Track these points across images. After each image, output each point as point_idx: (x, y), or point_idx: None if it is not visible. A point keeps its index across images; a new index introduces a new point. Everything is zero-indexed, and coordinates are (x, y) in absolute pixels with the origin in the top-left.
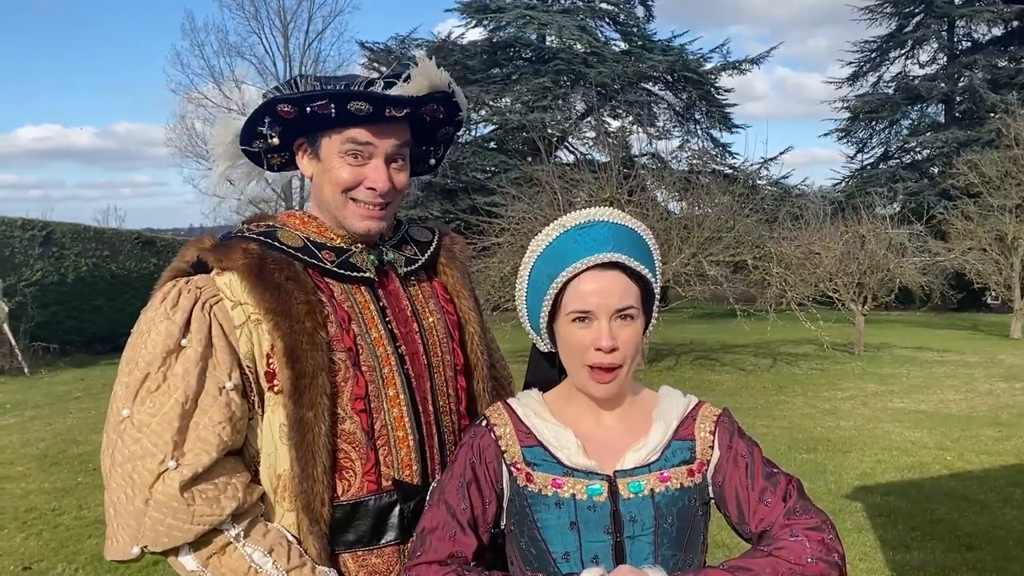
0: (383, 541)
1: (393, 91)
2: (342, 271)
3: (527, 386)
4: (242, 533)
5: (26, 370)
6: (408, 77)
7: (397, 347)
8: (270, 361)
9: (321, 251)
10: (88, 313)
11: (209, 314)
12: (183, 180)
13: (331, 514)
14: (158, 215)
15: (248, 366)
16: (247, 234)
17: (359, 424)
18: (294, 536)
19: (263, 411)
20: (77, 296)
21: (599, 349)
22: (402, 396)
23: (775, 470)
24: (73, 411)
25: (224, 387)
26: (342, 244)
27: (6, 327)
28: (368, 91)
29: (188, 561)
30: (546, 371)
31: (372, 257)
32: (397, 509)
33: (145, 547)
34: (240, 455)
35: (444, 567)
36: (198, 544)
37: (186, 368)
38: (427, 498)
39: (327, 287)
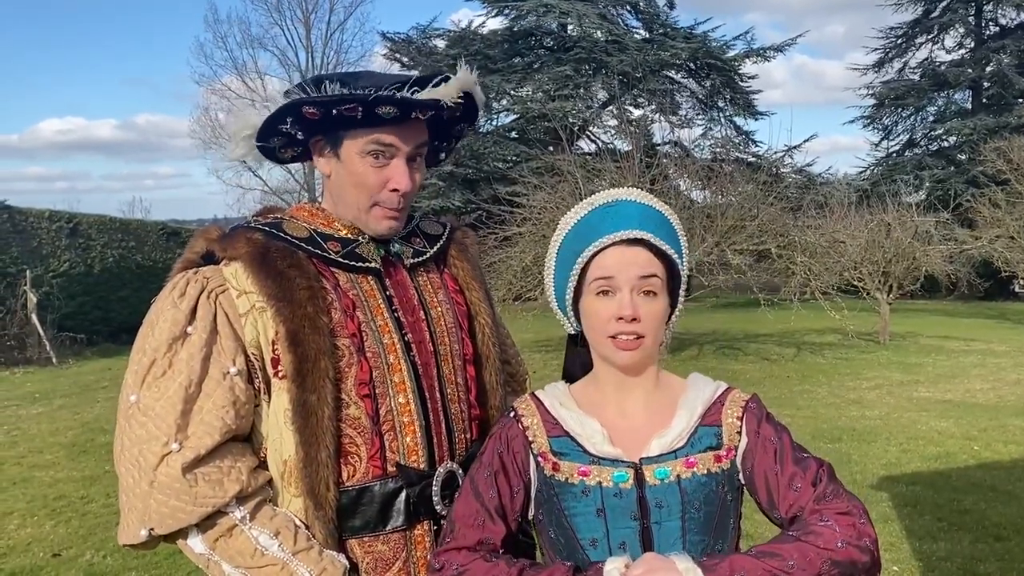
0: (389, 527)
1: (424, 95)
2: (347, 261)
3: (565, 372)
4: (248, 516)
5: (54, 360)
6: (441, 82)
7: (403, 335)
8: (275, 347)
9: (327, 242)
10: (114, 303)
11: (215, 303)
12: (207, 172)
13: (337, 499)
14: (183, 206)
15: (254, 353)
16: (254, 225)
17: (364, 409)
18: (302, 521)
19: (269, 397)
20: (103, 287)
21: (620, 319)
22: (408, 383)
23: (805, 455)
24: (100, 400)
25: (228, 372)
26: (348, 235)
27: (34, 317)
28: (398, 96)
29: (196, 544)
30: (582, 356)
31: (379, 248)
32: (403, 495)
33: (152, 529)
34: (248, 441)
35: (473, 553)
36: (205, 527)
37: (190, 354)
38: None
39: (332, 276)
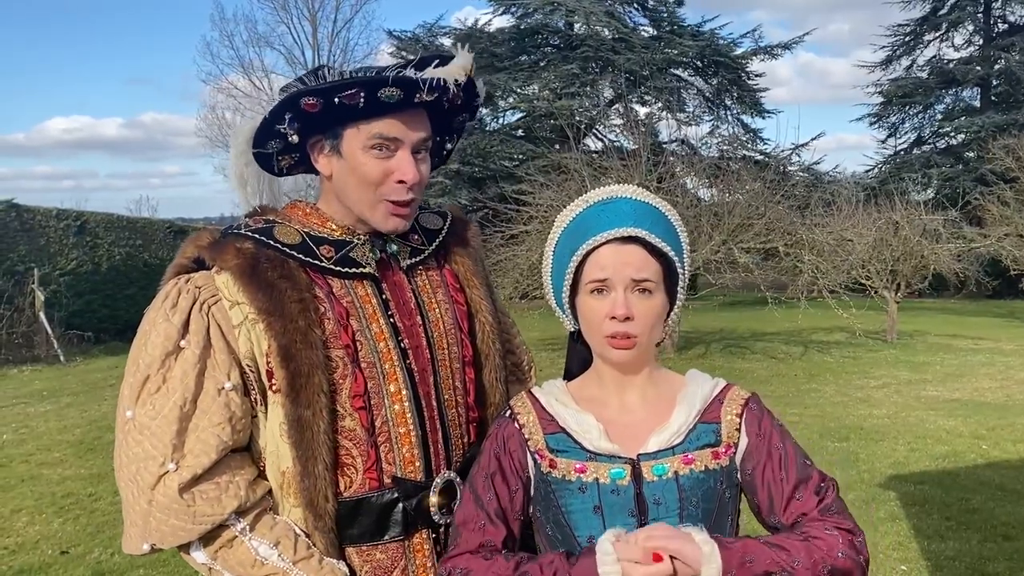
0: (386, 537)
1: (427, 74)
2: (340, 267)
3: (566, 371)
4: (248, 527)
5: (61, 358)
6: (439, 63)
7: (399, 341)
8: (269, 360)
9: (320, 246)
10: (122, 301)
11: (207, 315)
12: (214, 170)
13: (336, 509)
14: (189, 204)
15: (249, 365)
16: (244, 231)
17: (359, 421)
18: (302, 531)
19: (266, 409)
20: (111, 285)
21: (614, 318)
22: (404, 392)
23: (808, 463)
24: (108, 398)
25: (223, 387)
26: (342, 237)
27: (42, 315)
28: (401, 76)
29: (199, 555)
30: (581, 353)
31: (374, 249)
32: (400, 506)
33: (154, 545)
34: (248, 451)
35: (474, 555)
36: (206, 539)
37: (184, 370)
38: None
39: (325, 283)
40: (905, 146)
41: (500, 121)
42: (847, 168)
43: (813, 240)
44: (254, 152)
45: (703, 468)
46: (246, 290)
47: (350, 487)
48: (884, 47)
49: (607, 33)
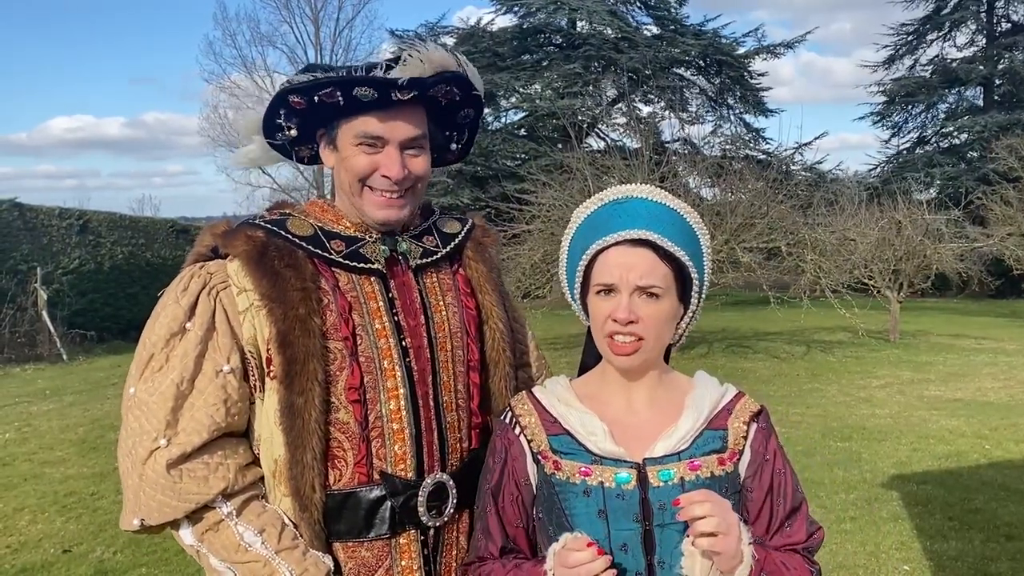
0: (372, 534)
1: (393, 73)
2: (349, 261)
3: (581, 365)
4: (234, 512)
5: (64, 357)
6: (404, 60)
7: (401, 339)
8: (269, 346)
9: (331, 240)
10: (124, 300)
11: (215, 300)
12: (216, 169)
13: (323, 501)
14: (192, 204)
15: (251, 351)
16: (259, 222)
17: (352, 414)
18: (291, 520)
19: (264, 396)
20: (113, 284)
21: (616, 321)
22: (401, 390)
23: (799, 489)
24: (110, 397)
25: (221, 370)
26: (355, 233)
27: (45, 314)
28: (370, 76)
29: (187, 535)
30: (595, 350)
31: (384, 248)
32: (387, 503)
33: (143, 520)
34: (245, 437)
35: (482, 562)
36: (194, 519)
37: (185, 350)
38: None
39: (332, 276)
40: (908, 145)
41: (502, 120)
42: (850, 167)
43: (816, 239)
44: (271, 143)
45: (709, 474)
46: (252, 276)
47: (339, 480)
48: (887, 46)
49: (610, 32)
